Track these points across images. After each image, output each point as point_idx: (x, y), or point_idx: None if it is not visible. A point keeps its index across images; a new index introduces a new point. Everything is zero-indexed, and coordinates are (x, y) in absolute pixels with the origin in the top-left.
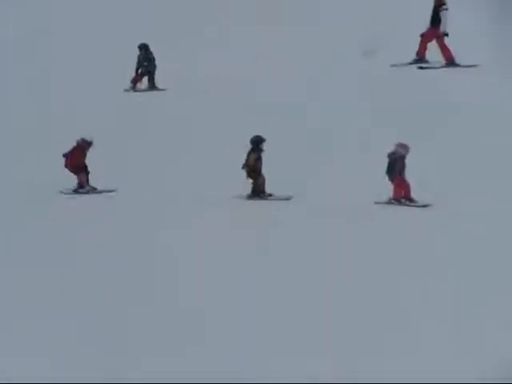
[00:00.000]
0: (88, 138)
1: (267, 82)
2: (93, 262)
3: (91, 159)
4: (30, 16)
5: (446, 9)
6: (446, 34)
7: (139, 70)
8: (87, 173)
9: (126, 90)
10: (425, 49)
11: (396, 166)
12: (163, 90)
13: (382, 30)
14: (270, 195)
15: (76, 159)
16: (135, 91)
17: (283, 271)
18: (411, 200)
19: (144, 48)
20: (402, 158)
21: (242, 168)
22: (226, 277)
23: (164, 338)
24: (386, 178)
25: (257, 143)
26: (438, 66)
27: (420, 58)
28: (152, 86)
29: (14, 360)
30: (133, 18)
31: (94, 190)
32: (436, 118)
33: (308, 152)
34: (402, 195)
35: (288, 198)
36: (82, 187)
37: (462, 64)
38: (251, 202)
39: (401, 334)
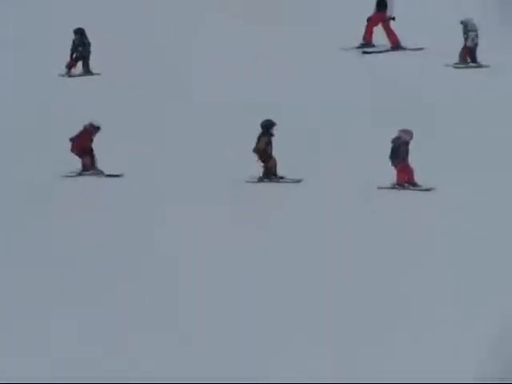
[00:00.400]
0: (95, 123)
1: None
2: (94, 258)
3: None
4: None
5: None
6: (393, 18)
7: (74, 55)
8: (93, 156)
9: (61, 75)
10: (371, 33)
11: (400, 151)
12: (98, 74)
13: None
14: (282, 178)
15: (82, 143)
16: (70, 76)
17: (288, 255)
18: (414, 184)
19: (79, 32)
20: (406, 143)
21: (253, 151)
22: (234, 262)
23: (165, 333)
24: (389, 163)
25: (267, 127)
26: (384, 49)
27: (366, 43)
28: (87, 71)
29: (13, 360)
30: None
31: (100, 173)
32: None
33: (314, 139)
34: (406, 180)
35: (298, 181)
36: (87, 170)
37: (407, 47)
38: (262, 184)
39: (400, 334)
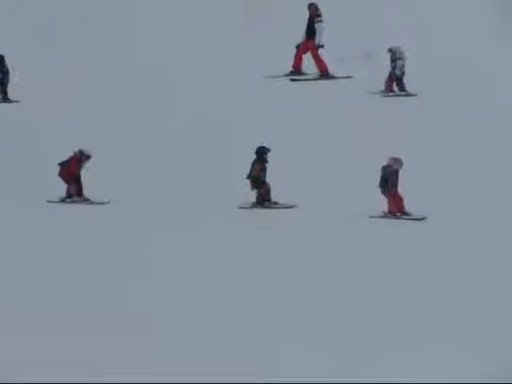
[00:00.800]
0: (86, 152)
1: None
2: (78, 285)
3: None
4: None
5: (321, 20)
6: (321, 46)
7: None
8: (80, 185)
9: None
10: (300, 60)
11: (390, 179)
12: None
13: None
14: (275, 203)
15: (71, 169)
16: None
17: (282, 279)
18: (406, 213)
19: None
20: (396, 171)
21: (247, 178)
22: (230, 283)
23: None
24: (379, 190)
25: (261, 153)
26: (312, 77)
27: (295, 70)
28: (4, 98)
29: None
30: None
31: (85, 201)
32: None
33: (308, 164)
34: (397, 209)
35: (291, 207)
36: (70, 197)
37: (336, 75)
38: (255, 210)
39: (401, 333)
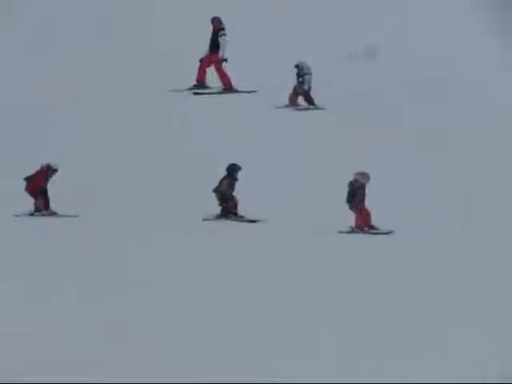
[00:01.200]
0: (53, 165)
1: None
2: (47, 299)
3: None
4: None
5: (225, 34)
6: (225, 60)
7: None
8: (46, 198)
9: None
10: (204, 74)
11: (357, 194)
12: None
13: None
14: (241, 217)
15: (37, 183)
16: None
17: (247, 291)
18: (373, 227)
19: None
20: (363, 186)
21: (213, 192)
22: (194, 295)
23: None
24: (347, 206)
25: (232, 171)
26: (216, 91)
27: (199, 84)
28: None
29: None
30: None
31: (53, 215)
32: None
33: (277, 178)
34: (364, 224)
35: (255, 221)
36: (39, 211)
37: (239, 89)
38: (219, 221)
39: (401, 334)
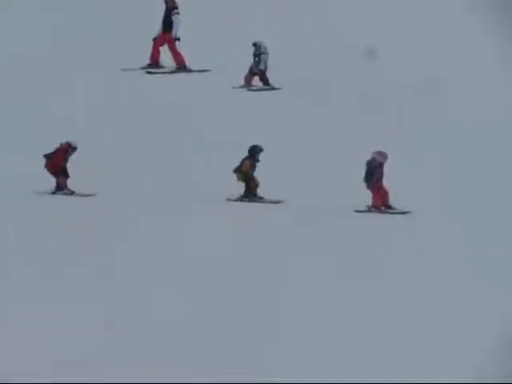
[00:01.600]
0: (73, 143)
1: None
2: (66, 277)
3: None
4: None
5: (178, 13)
6: (178, 39)
7: None
8: (67, 176)
9: None
10: (157, 53)
11: (374, 173)
12: None
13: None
14: (261, 198)
15: (57, 161)
16: None
17: (264, 275)
18: (390, 207)
19: None
20: (381, 165)
21: (234, 172)
22: (216, 277)
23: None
24: (364, 185)
25: (254, 152)
26: (169, 70)
27: (153, 63)
28: None
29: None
30: None
31: (72, 193)
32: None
33: (295, 159)
34: (381, 203)
35: (277, 202)
36: (61, 189)
37: (193, 69)
38: (242, 203)
39: (398, 334)
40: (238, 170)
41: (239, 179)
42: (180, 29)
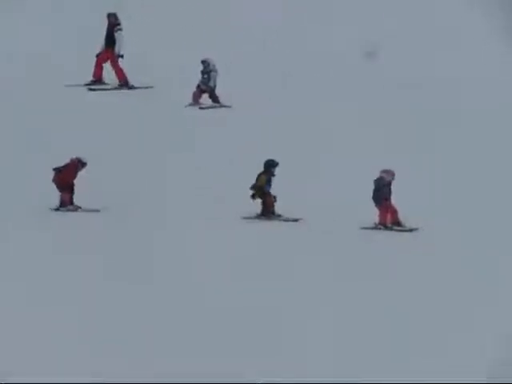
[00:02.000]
0: (83, 159)
1: None
2: (70, 292)
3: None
4: None
5: (121, 29)
6: (121, 56)
7: None
8: (72, 192)
9: None
10: (100, 70)
11: (382, 192)
12: None
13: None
14: (279, 216)
15: (66, 176)
16: None
17: (280, 289)
18: (399, 224)
19: None
20: (389, 184)
21: (251, 188)
22: (231, 291)
23: None
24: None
25: (270, 166)
26: (111, 87)
27: (96, 80)
28: None
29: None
30: None
31: (77, 209)
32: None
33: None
34: (389, 220)
35: (295, 220)
36: (64, 206)
37: (135, 86)
38: (258, 221)
39: (398, 335)
40: (254, 187)
41: (254, 196)
42: (123, 45)
